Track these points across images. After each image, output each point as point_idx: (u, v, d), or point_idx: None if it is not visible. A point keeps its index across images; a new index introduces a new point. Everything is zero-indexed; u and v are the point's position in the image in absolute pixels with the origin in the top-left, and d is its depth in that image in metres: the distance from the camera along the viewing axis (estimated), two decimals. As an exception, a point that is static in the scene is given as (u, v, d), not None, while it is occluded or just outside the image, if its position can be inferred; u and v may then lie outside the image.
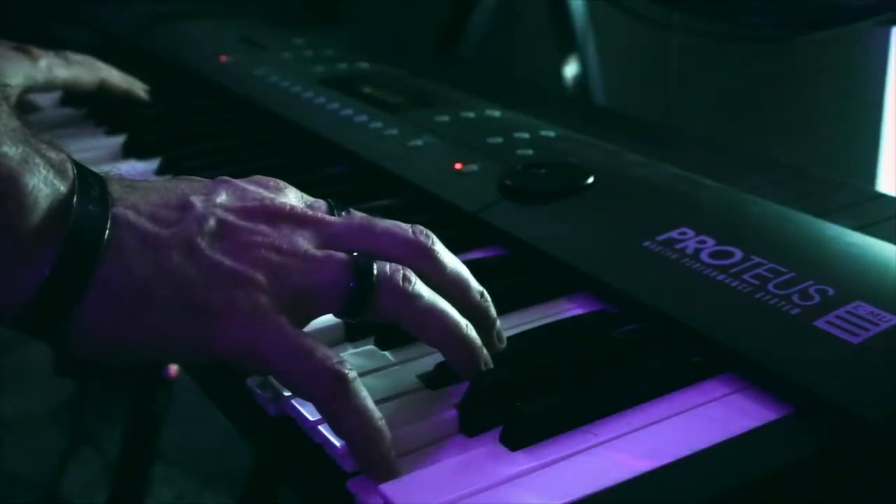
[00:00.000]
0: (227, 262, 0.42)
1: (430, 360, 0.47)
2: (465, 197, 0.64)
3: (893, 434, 0.40)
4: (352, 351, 0.49)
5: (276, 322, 0.42)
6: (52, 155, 0.43)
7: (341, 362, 0.41)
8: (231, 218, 0.44)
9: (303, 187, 0.71)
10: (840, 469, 0.41)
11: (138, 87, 0.92)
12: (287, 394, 0.45)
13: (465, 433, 0.43)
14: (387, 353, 0.49)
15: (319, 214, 0.47)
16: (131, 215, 0.42)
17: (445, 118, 0.77)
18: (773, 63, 1.17)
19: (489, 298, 0.48)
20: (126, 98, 0.91)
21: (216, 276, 0.42)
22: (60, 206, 0.41)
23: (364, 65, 0.97)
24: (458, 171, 0.67)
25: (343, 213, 0.49)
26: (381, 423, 0.41)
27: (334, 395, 0.41)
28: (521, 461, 0.40)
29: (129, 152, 0.82)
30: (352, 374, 0.41)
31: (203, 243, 0.43)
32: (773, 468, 0.40)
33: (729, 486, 0.39)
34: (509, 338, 0.49)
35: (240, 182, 0.47)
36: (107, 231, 0.41)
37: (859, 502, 0.42)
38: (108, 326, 0.41)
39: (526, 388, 0.44)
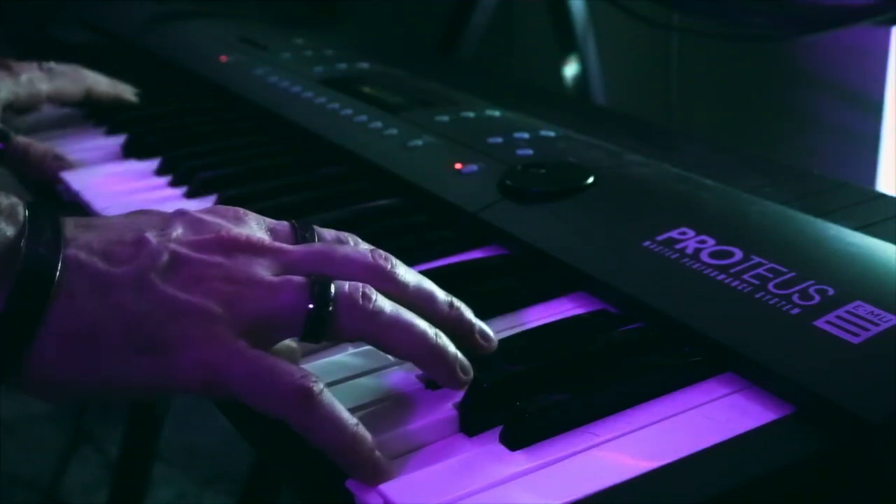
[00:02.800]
0: (181, 295, 0.42)
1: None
2: (465, 197, 0.64)
3: (893, 434, 0.40)
4: (352, 351, 0.49)
5: (234, 347, 0.42)
6: (2, 201, 0.43)
7: (305, 376, 0.41)
8: (185, 251, 0.44)
9: (303, 187, 0.72)
10: (840, 469, 0.41)
11: (127, 93, 0.92)
12: None
13: (465, 433, 0.43)
14: (386, 354, 0.49)
15: (277, 244, 0.47)
16: (83, 255, 0.43)
17: (445, 118, 0.77)
18: (773, 63, 1.17)
19: (460, 305, 0.48)
20: (114, 104, 0.91)
21: (170, 310, 0.42)
22: (8, 252, 0.41)
23: (364, 65, 0.97)
24: (458, 171, 0.67)
25: (307, 234, 0.49)
26: (357, 427, 0.41)
27: (302, 411, 0.41)
28: (521, 461, 0.40)
29: (129, 152, 0.82)
30: (317, 386, 0.41)
31: (156, 278, 0.43)
32: (773, 468, 0.40)
33: (729, 486, 0.39)
34: (509, 337, 0.49)
35: (197, 213, 0.48)
36: (57, 273, 0.41)
37: (859, 502, 0.42)
38: (62, 369, 0.41)
39: (526, 387, 0.44)
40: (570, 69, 1.27)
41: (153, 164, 0.78)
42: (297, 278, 0.44)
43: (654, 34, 1.25)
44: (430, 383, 0.46)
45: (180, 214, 0.47)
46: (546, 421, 0.42)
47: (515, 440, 0.41)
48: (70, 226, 0.44)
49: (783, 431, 0.42)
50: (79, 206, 0.72)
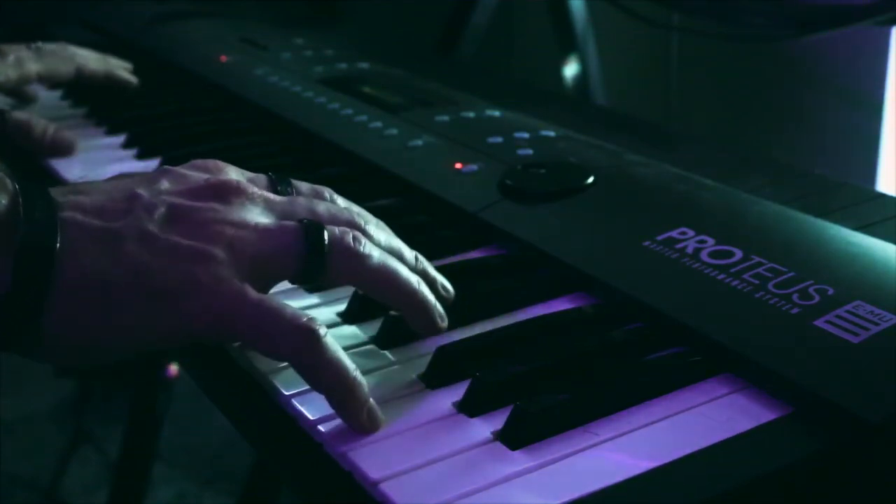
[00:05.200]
0: (184, 241, 0.43)
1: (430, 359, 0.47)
2: (465, 197, 0.64)
3: (893, 434, 0.40)
4: (352, 351, 0.49)
5: (240, 290, 0.43)
6: None
7: (311, 319, 0.43)
8: (180, 200, 0.45)
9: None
10: (840, 469, 0.41)
11: (118, 68, 0.92)
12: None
13: (466, 433, 0.43)
14: (387, 353, 0.49)
15: (265, 192, 0.48)
16: (79, 216, 0.43)
17: (445, 118, 0.77)
18: (773, 63, 1.17)
19: (423, 259, 0.51)
20: (108, 82, 0.91)
21: (174, 257, 0.43)
22: (7, 220, 0.41)
23: (364, 65, 0.97)
24: (458, 171, 0.67)
25: (286, 186, 0.51)
26: (356, 373, 0.43)
27: (307, 350, 0.43)
28: (521, 460, 0.40)
29: (129, 152, 0.82)
30: (322, 329, 0.43)
31: (156, 229, 0.44)
32: (773, 468, 0.40)
33: (729, 485, 0.39)
34: (510, 337, 0.50)
35: (180, 168, 0.49)
36: (58, 236, 0.42)
37: (859, 502, 0.42)
38: (76, 326, 0.42)
39: (526, 386, 0.44)
40: (570, 69, 1.27)
41: (153, 164, 0.78)
42: (291, 223, 0.46)
43: (654, 34, 1.25)
44: (431, 382, 0.46)
45: (163, 171, 0.48)
46: (546, 420, 0.42)
47: (516, 439, 0.41)
48: (59, 192, 0.45)
49: (783, 431, 0.42)
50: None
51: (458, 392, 0.45)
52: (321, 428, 0.43)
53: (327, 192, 0.53)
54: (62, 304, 0.41)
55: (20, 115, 0.80)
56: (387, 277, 0.47)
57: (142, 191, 0.45)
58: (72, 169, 0.77)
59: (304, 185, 0.53)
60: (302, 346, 0.42)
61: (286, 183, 0.51)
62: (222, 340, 0.47)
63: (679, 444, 0.41)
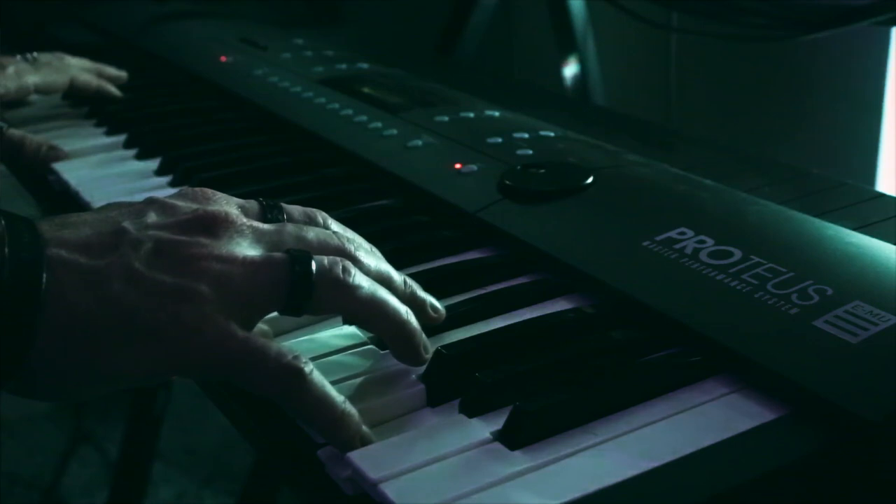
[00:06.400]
0: (169, 279, 0.43)
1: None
2: (465, 197, 0.64)
3: (893, 434, 0.40)
4: (352, 351, 0.49)
5: (225, 329, 0.42)
6: None
7: (296, 357, 0.43)
8: (166, 235, 0.44)
9: (303, 187, 0.72)
10: (839, 469, 0.41)
11: (109, 87, 0.93)
12: None
13: (465, 432, 0.43)
14: (387, 353, 0.49)
15: (254, 222, 0.47)
16: (65, 253, 0.42)
17: (445, 118, 0.77)
18: (773, 63, 1.17)
19: (412, 282, 0.50)
20: (98, 96, 0.92)
21: (159, 296, 0.42)
22: None
23: (364, 65, 0.97)
24: (458, 171, 0.67)
25: (276, 212, 0.50)
26: (345, 405, 0.43)
27: (292, 390, 0.42)
28: (521, 460, 0.40)
29: (128, 152, 0.82)
30: (307, 367, 0.43)
31: (142, 267, 0.43)
32: (773, 468, 0.40)
33: (728, 485, 0.39)
34: (509, 337, 0.50)
35: (168, 199, 0.48)
36: (44, 275, 0.41)
37: (859, 502, 0.42)
38: (61, 366, 0.41)
39: (525, 387, 0.44)
40: (570, 69, 1.27)
41: (153, 164, 0.78)
42: (278, 255, 0.45)
43: (653, 34, 1.25)
44: (430, 383, 0.46)
45: (151, 202, 0.47)
46: (546, 420, 0.42)
47: (515, 439, 0.41)
48: (45, 226, 0.44)
49: (782, 431, 0.42)
50: (79, 207, 0.72)
51: (457, 391, 0.45)
52: (321, 428, 0.43)
53: (320, 216, 0.52)
54: (47, 345, 0.41)
55: (14, 133, 0.80)
56: (374, 309, 0.46)
57: (128, 224, 0.45)
58: (74, 170, 0.77)
59: (295, 211, 0.51)
60: (287, 386, 0.42)
61: (277, 209, 0.51)
62: (208, 378, 0.46)
63: (678, 444, 0.41)
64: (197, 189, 0.49)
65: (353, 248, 0.49)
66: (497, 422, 0.43)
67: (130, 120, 0.88)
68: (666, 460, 0.40)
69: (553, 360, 0.47)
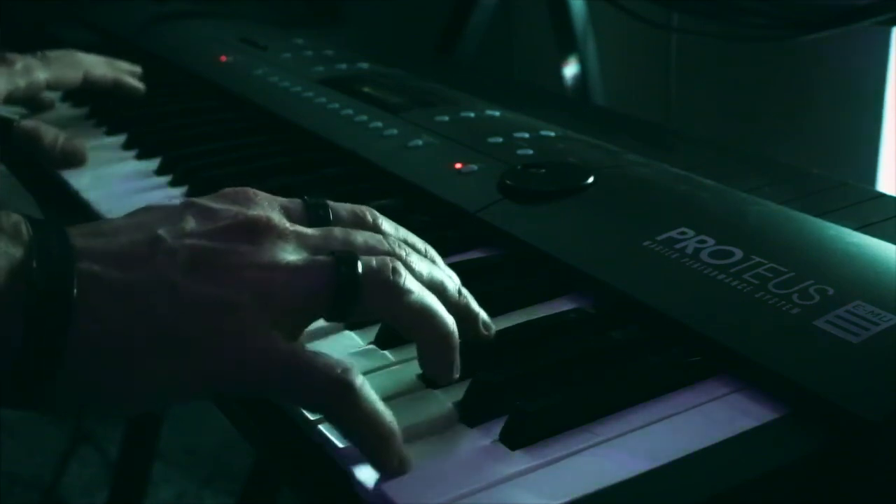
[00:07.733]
0: (209, 291, 0.40)
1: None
2: (465, 197, 0.64)
3: (893, 434, 0.40)
4: (352, 351, 0.49)
5: (269, 342, 0.40)
6: (3, 221, 0.40)
7: (346, 370, 0.40)
8: (204, 243, 0.42)
9: (303, 187, 0.72)
10: (839, 469, 0.41)
11: (126, 75, 0.91)
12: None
13: (466, 431, 0.43)
14: (387, 353, 0.49)
15: (297, 227, 0.45)
16: (97, 268, 0.40)
17: (445, 118, 0.77)
18: (773, 63, 1.17)
19: (467, 293, 0.48)
20: (116, 89, 0.90)
21: (199, 308, 0.40)
22: (20, 274, 0.38)
23: (364, 65, 0.97)
24: (458, 171, 0.67)
25: (322, 212, 0.48)
26: (392, 423, 0.40)
27: (342, 405, 0.40)
28: (521, 460, 0.40)
29: (129, 152, 0.82)
30: (358, 380, 0.40)
31: (179, 277, 0.40)
32: (773, 467, 0.40)
33: (729, 485, 0.39)
34: (509, 337, 0.49)
35: (207, 201, 0.45)
36: (74, 290, 0.38)
37: (859, 502, 0.42)
38: (93, 384, 0.39)
39: (526, 387, 0.44)
40: (570, 69, 1.27)
41: (153, 164, 0.78)
42: (322, 258, 0.43)
43: (653, 34, 1.25)
44: (431, 382, 0.46)
45: (189, 205, 0.44)
46: (546, 420, 0.42)
47: (515, 439, 0.41)
48: (77, 236, 0.41)
49: (782, 431, 0.42)
50: (80, 207, 0.72)
51: (458, 391, 0.45)
52: (321, 428, 0.43)
53: (370, 214, 0.49)
54: (78, 363, 0.38)
55: (28, 123, 0.79)
56: (420, 317, 0.43)
57: (163, 232, 0.42)
58: (78, 173, 0.77)
59: (343, 209, 0.48)
60: (337, 400, 0.40)
61: (322, 208, 0.47)
62: (251, 394, 0.43)
63: (679, 444, 0.41)
64: (238, 189, 0.46)
65: (404, 253, 0.45)
66: (497, 422, 0.43)
67: (130, 120, 0.88)
68: (667, 460, 0.40)
69: (554, 361, 0.47)
